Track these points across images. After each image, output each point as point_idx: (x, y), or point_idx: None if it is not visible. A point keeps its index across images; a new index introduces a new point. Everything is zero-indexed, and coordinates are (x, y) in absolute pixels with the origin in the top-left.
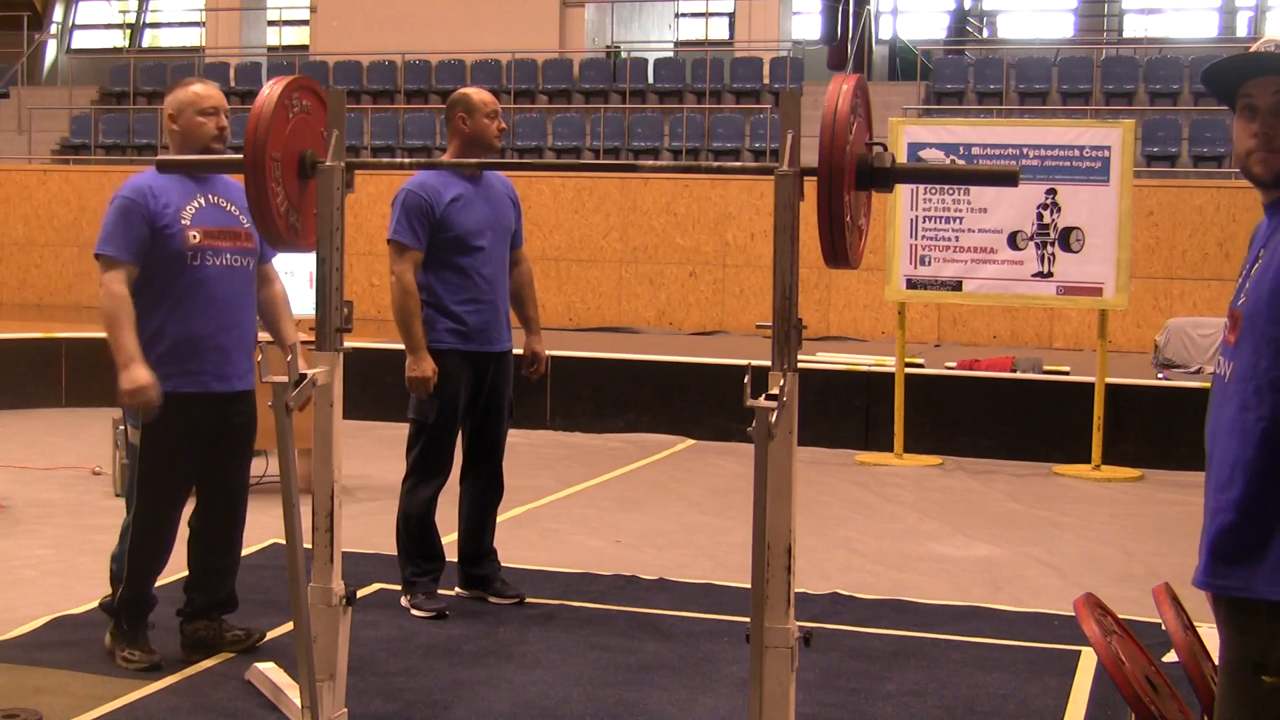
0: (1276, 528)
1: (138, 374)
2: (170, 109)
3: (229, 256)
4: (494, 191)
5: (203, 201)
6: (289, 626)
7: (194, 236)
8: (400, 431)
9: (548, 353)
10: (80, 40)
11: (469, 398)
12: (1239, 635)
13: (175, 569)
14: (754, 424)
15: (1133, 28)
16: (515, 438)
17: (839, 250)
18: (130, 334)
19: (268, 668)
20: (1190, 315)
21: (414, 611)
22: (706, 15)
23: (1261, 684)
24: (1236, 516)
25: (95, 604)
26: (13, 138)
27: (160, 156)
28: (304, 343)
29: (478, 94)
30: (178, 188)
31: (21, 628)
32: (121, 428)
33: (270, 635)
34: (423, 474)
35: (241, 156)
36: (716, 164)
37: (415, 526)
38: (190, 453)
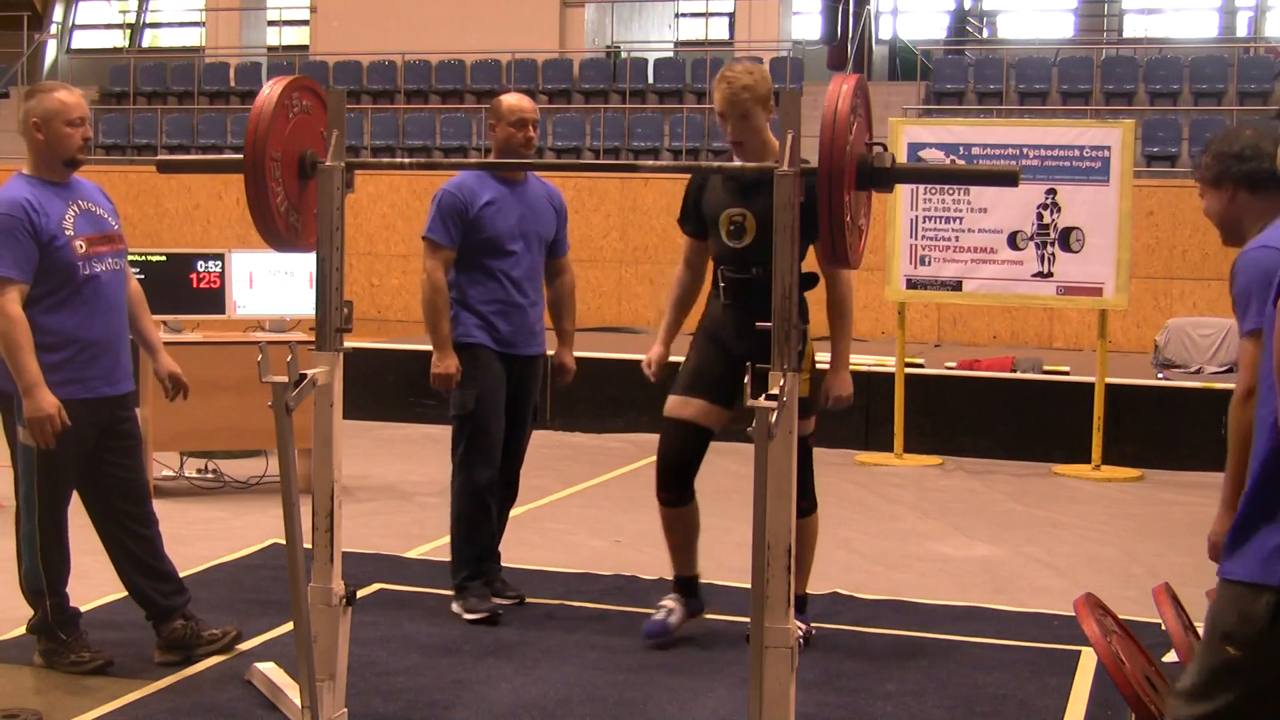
0: (1269, 517)
1: (44, 401)
2: (35, 117)
3: (110, 261)
4: (533, 197)
5: (76, 209)
6: (289, 626)
7: (80, 246)
8: (400, 431)
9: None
10: (80, 40)
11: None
12: (1220, 605)
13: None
14: (754, 424)
15: (1133, 28)
16: None
17: (839, 250)
18: (32, 358)
19: (268, 668)
20: (1190, 315)
21: (465, 616)
22: (706, 15)
23: (1225, 651)
24: (1246, 506)
25: (96, 604)
26: (13, 138)
27: (161, 157)
28: (303, 343)
29: (508, 101)
30: (50, 198)
31: (21, 628)
32: (9, 431)
33: (270, 635)
34: (471, 467)
35: (241, 156)
36: (716, 164)
37: (468, 527)
38: (80, 457)
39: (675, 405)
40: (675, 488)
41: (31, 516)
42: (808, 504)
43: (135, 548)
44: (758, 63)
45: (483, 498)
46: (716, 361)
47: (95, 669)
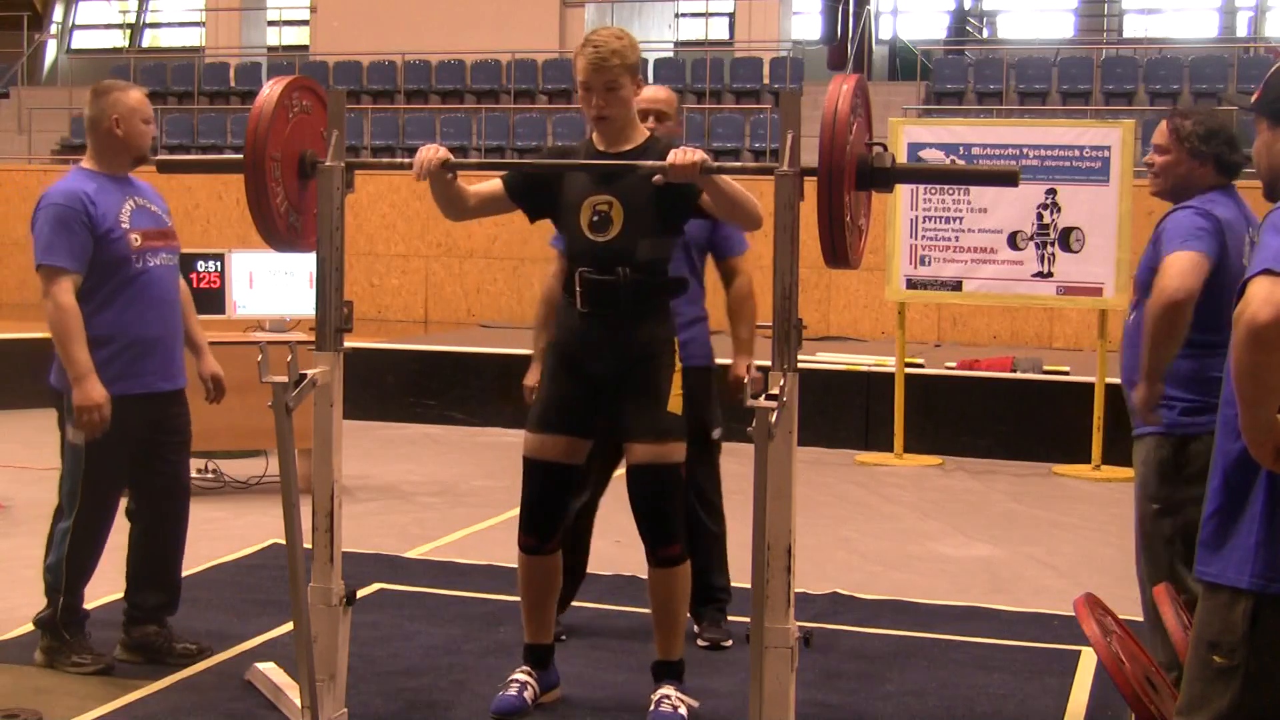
0: (1244, 516)
1: (93, 391)
2: (116, 113)
3: (164, 256)
4: None
5: (134, 204)
6: (289, 626)
7: (136, 240)
8: (400, 431)
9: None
10: (80, 40)
11: None
12: (1204, 614)
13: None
14: (754, 424)
15: (1133, 28)
16: (514, 438)
17: (839, 250)
18: (83, 347)
19: (268, 668)
20: None
21: None
22: (706, 15)
23: (1213, 662)
24: (1215, 503)
25: (96, 604)
26: (13, 138)
27: (161, 157)
28: (303, 343)
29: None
30: (108, 191)
31: (21, 628)
32: (61, 429)
33: (270, 635)
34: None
35: (241, 156)
36: (716, 164)
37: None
38: (127, 454)
39: (534, 445)
40: (541, 534)
41: (70, 514)
42: (681, 550)
43: (160, 550)
44: (625, 33)
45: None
46: (573, 389)
47: (96, 672)
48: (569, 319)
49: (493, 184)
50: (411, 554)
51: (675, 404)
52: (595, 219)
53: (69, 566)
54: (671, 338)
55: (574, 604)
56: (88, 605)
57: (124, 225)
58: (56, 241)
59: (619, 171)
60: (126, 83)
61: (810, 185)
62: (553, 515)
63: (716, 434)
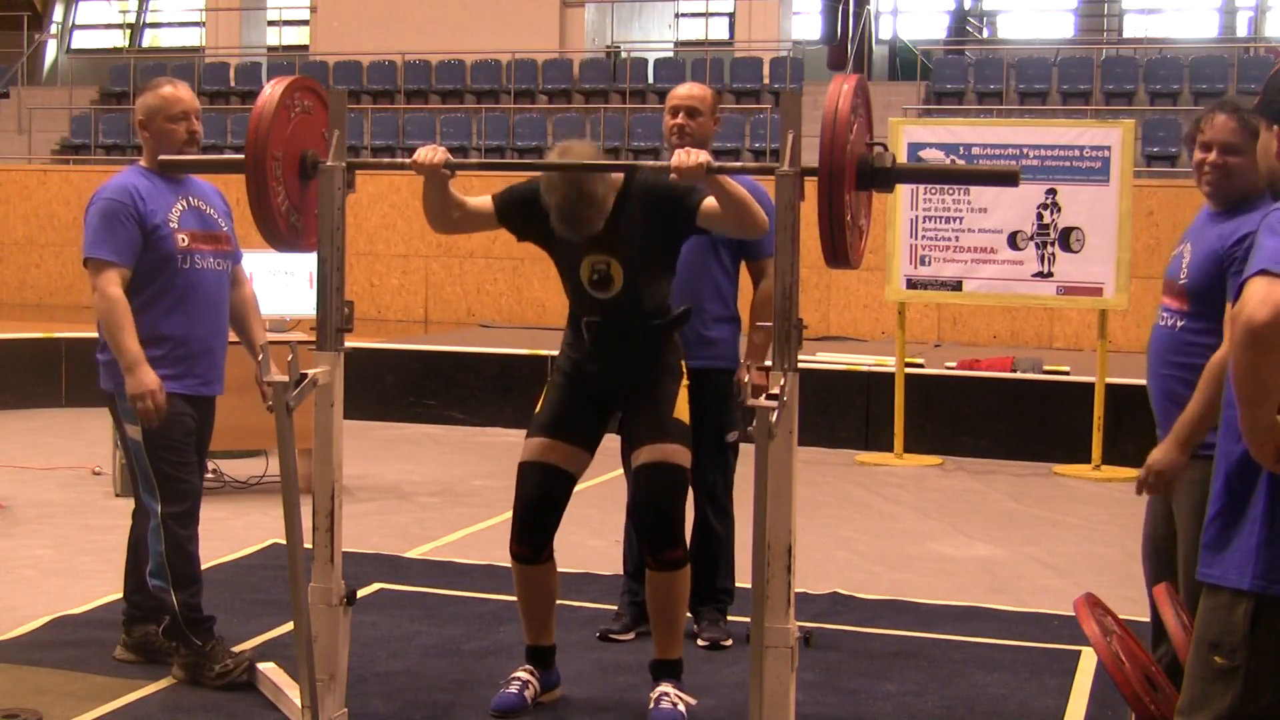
0: (1245, 518)
1: (145, 378)
2: (141, 115)
3: (212, 260)
4: None
5: (185, 205)
6: (289, 626)
7: (183, 239)
8: (400, 431)
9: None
10: (80, 40)
11: None
12: (1205, 615)
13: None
14: (754, 424)
15: (1133, 28)
16: (514, 438)
17: (839, 250)
18: (132, 337)
19: (268, 668)
20: None
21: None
22: (706, 15)
23: (1214, 663)
24: (1217, 506)
25: (96, 604)
26: (13, 138)
27: (161, 157)
28: (304, 343)
29: (675, 90)
30: (160, 190)
31: (21, 628)
32: (119, 429)
33: (270, 635)
34: None
35: (242, 156)
36: (717, 164)
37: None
38: (190, 443)
39: (536, 449)
40: (534, 542)
41: (156, 509)
42: (683, 554)
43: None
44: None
45: None
46: (579, 402)
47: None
48: (576, 351)
49: (483, 200)
50: (411, 554)
51: (682, 410)
52: (595, 277)
53: (173, 561)
54: (679, 359)
55: (573, 604)
56: (83, 607)
57: (172, 225)
58: (104, 234)
59: (612, 230)
60: (163, 79)
61: (811, 185)
62: (545, 523)
63: (731, 437)
